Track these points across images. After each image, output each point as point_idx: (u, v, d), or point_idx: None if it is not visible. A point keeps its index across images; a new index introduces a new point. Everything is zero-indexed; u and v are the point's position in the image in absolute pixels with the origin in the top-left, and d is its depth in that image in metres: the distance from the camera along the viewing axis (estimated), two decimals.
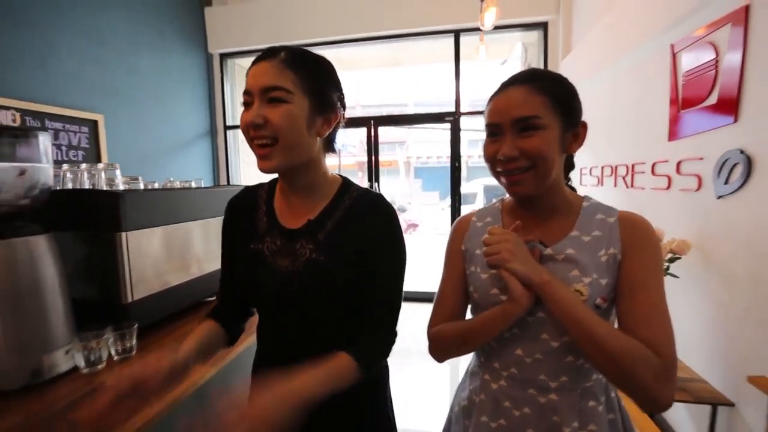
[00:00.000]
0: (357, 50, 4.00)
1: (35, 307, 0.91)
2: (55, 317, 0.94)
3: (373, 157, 3.74)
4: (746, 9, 1.32)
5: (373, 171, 3.77)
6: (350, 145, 12.77)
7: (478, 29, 2.84)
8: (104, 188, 1.23)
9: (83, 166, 1.16)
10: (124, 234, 1.06)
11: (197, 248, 1.35)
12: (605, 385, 0.70)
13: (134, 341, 1.05)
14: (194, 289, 1.34)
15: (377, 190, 3.66)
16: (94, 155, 2.76)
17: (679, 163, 1.73)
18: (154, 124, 3.31)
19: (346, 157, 11.50)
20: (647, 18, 1.93)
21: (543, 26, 3.44)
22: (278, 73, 0.64)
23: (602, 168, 2.58)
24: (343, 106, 0.74)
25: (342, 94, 0.74)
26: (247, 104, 0.66)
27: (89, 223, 1.08)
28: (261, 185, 0.83)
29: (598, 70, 2.54)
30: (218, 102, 4.11)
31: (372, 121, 3.72)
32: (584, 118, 0.66)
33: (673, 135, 1.78)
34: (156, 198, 1.18)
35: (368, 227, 0.72)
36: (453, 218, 3.83)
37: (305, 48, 0.70)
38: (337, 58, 4.97)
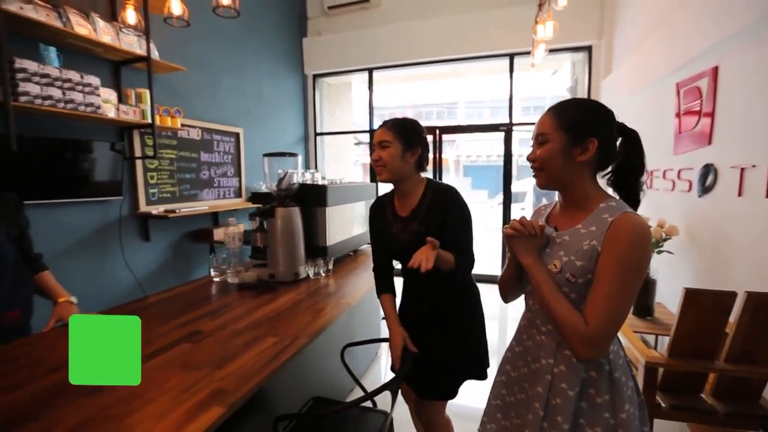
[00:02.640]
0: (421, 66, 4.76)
1: (294, 242, 1.82)
2: (299, 249, 1.85)
3: (437, 157, 4.56)
4: (715, 69, 1.96)
5: (437, 169, 4.59)
6: None
7: (530, 53, 3.52)
8: (318, 183, 2.16)
9: (300, 170, 2.08)
10: (327, 208, 1.97)
11: (355, 218, 2.27)
12: None
13: (331, 266, 1.95)
14: (355, 240, 2.28)
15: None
16: (236, 158, 3.82)
17: (679, 171, 2.35)
18: (270, 132, 4.35)
19: None
20: (662, 60, 2.55)
21: (588, 49, 4.02)
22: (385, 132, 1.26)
23: None
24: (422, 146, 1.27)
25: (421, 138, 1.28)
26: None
27: (310, 202, 1.99)
28: (385, 194, 1.42)
29: (631, 93, 3.15)
30: (311, 113, 5.11)
31: (437, 130, 4.54)
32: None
33: (676, 150, 2.40)
34: (339, 189, 2.10)
35: (443, 205, 1.24)
36: (504, 214, 4.57)
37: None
38: (403, 73, 5.81)
